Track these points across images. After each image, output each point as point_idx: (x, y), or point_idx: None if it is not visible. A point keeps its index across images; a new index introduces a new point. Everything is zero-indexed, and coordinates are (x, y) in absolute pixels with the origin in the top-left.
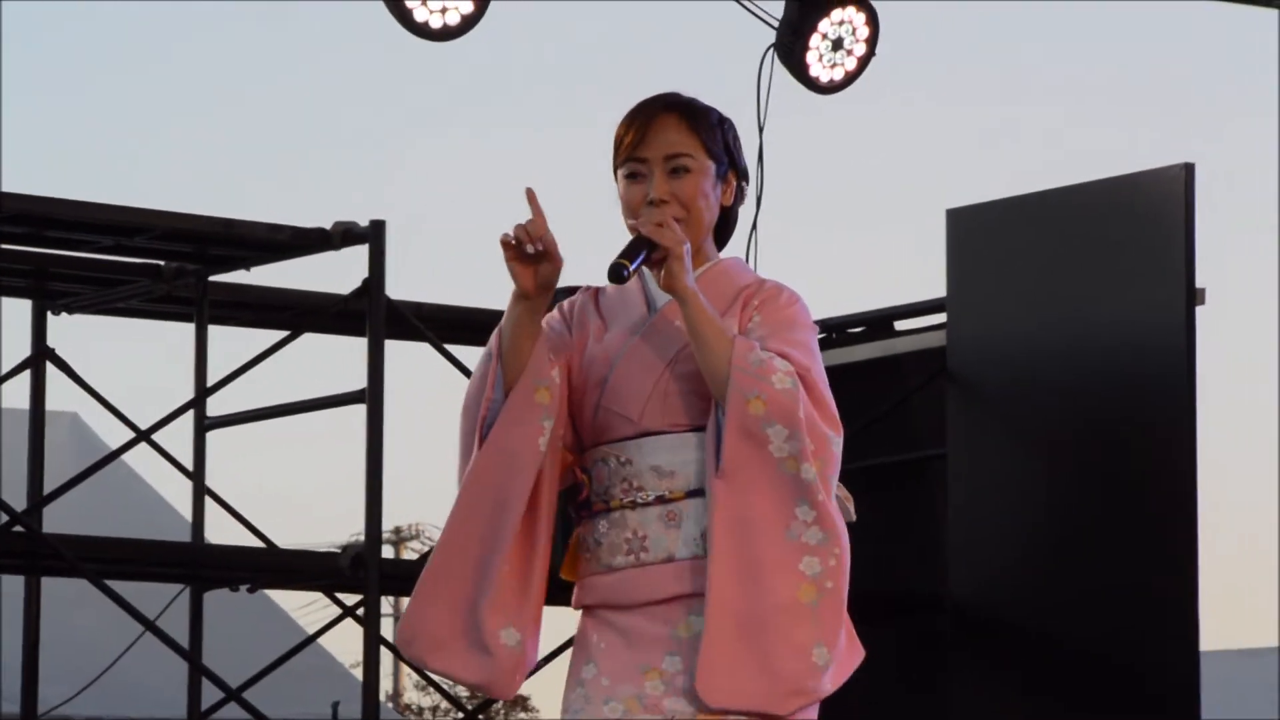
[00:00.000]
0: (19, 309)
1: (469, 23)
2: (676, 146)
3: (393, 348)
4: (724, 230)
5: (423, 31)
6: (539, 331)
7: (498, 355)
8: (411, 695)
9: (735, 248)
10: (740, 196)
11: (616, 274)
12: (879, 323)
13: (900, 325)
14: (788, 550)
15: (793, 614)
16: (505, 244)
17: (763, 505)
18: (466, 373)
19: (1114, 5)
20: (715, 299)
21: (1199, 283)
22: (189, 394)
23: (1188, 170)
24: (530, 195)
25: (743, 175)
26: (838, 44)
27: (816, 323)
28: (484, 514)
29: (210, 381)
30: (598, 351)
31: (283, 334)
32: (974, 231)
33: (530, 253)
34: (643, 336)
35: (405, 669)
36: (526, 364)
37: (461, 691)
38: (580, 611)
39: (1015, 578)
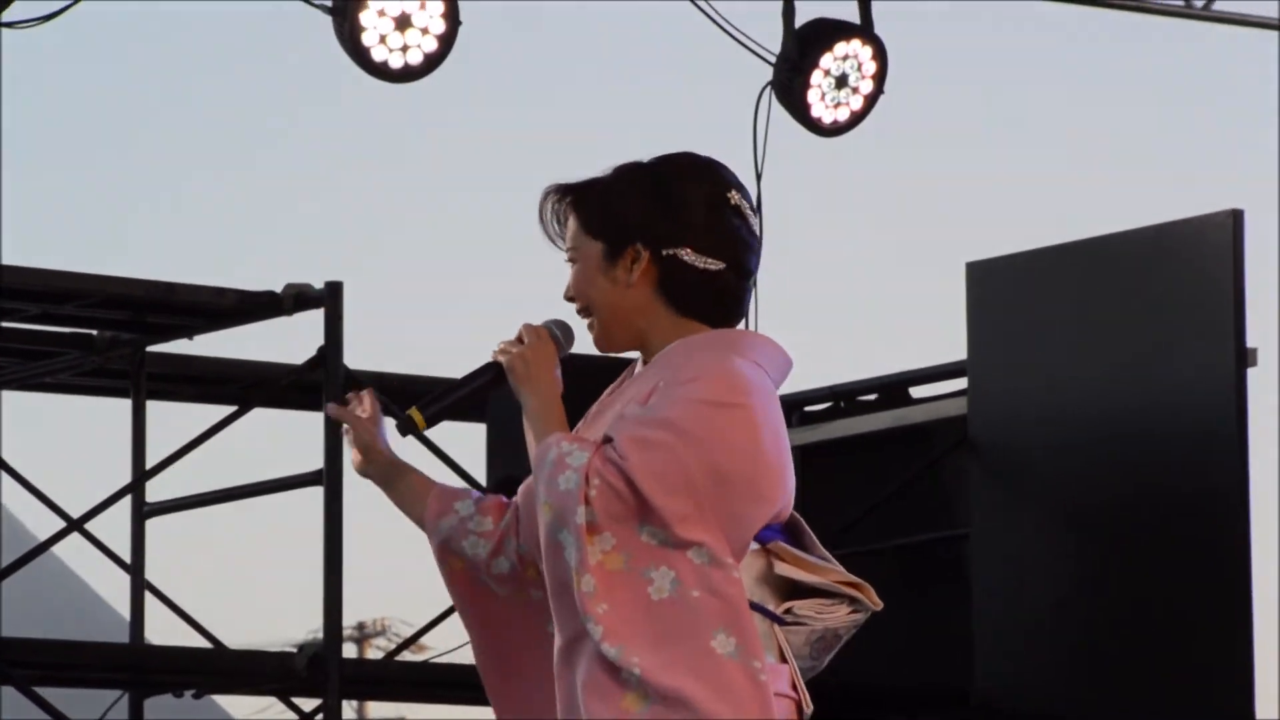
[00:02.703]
0: None
1: (432, 62)
2: (568, 241)
3: None
4: (690, 308)
5: (381, 72)
6: (424, 496)
7: None
8: None
9: None
10: (680, 268)
11: (402, 429)
12: (893, 389)
13: (917, 391)
14: (603, 667)
15: None
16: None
17: (574, 622)
18: (435, 450)
19: (1153, 39)
20: (643, 383)
21: (1250, 342)
22: (126, 477)
23: (1236, 217)
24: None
25: (662, 241)
26: (842, 81)
27: (824, 390)
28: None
29: (149, 463)
30: None
31: (230, 409)
32: (997, 287)
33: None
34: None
35: None
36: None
37: None
38: None
39: (1048, 670)
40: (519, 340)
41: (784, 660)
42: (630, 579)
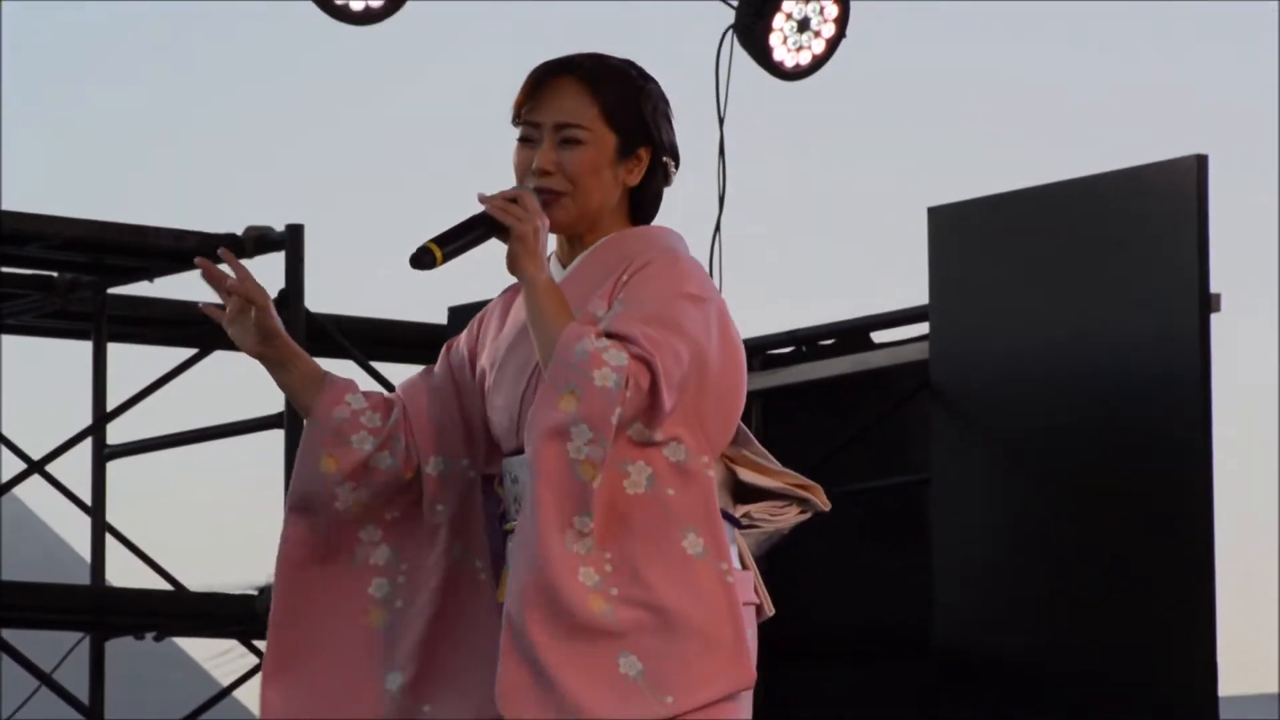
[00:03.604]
0: None
1: (394, 3)
2: (569, 115)
3: None
4: (641, 211)
5: (342, 14)
6: (317, 384)
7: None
8: None
9: (698, 250)
10: (663, 177)
11: (418, 260)
12: (854, 334)
13: (878, 336)
14: (568, 561)
15: (587, 633)
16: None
17: (546, 512)
18: (381, 381)
19: None
20: (595, 274)
21: (1213, 288)
22: (86, 420)
23: (1200, 162)
24: (226, 255)
25: (667, 152)
26: (804, 24)
27: (784, 334)
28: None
29: (110, 405)
30: (488, 356)
31: (190, 352)
32: (959, 232)
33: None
34: (518, 336)
35: None
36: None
37: None
38: None
39: (1008, 617)
40: (514, 201)
41: (745, 566)
42: (607, 470)
